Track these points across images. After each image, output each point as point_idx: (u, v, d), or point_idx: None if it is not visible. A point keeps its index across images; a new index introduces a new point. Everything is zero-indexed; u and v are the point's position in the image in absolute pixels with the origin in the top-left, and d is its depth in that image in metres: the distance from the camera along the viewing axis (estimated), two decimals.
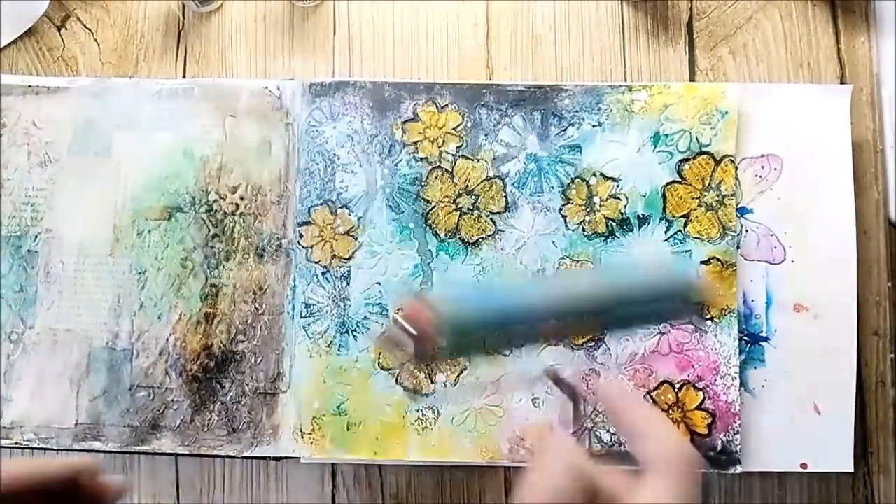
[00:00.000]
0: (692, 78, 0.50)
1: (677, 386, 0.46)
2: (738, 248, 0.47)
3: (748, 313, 0.47)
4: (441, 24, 0.51)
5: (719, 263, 0.47)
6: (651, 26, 0.51)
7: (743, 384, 0.46)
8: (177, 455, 0.49)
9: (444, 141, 0.49)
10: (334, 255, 0.48)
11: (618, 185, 0.48)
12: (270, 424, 0.47)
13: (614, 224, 0.48)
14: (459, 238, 0.48)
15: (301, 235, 0.49)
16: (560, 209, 0.48)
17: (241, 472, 0.49)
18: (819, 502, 0.48)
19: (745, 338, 0.47)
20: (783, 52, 0.50)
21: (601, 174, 0.48)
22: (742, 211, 0.48)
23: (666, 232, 0.47)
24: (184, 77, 0.51)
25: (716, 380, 0.46)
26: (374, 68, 0.51)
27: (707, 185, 0.47)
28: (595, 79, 0.50)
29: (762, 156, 0.48)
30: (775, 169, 0.48)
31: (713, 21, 0.51)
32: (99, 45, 0.51)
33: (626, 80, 0.50)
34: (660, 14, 0.51)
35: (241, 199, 0.49)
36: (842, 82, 0.50)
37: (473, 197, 0.49)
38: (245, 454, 0.47)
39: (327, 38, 0.51)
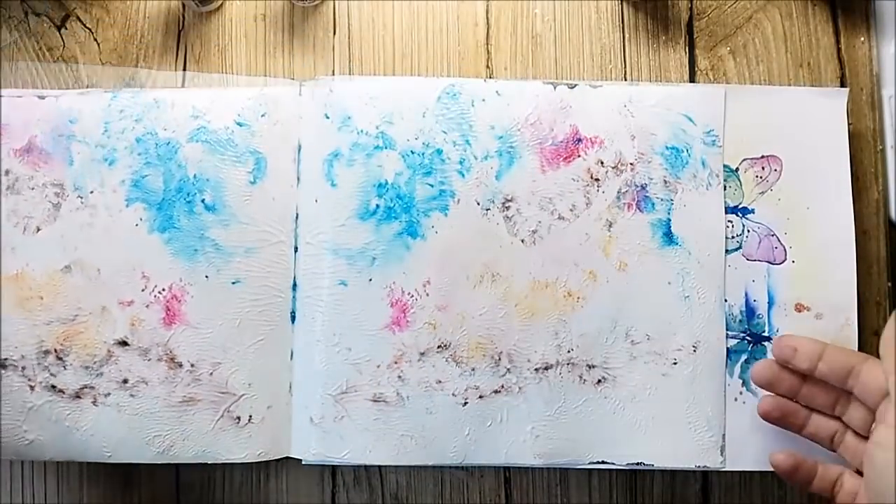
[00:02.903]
0: (692, 78, 0.50)
1: None
2: (739, 248, 0.47)
3: (750, 313, 0.47)
4: (441, 24, 0.51)
5: None
6: (651, 26, 0.51)
7: (745, 384, 0.46)
8: None
9: None
10: None
11: None
12: None
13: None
14: None
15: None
16: None
17: (241, 473, 0.49)
18: (819, 502, 0.48)
19: (748, 338, 0.47)
20: (783, 52, 0.50)
21: None
22: (743, 211, 0.48)
23: None
24: (184, 76, 0.51)
25: None
26: (374, 68, 0.51)
27: None
28: (595, 79, 0.50)
29: (762, 157, 0.48)
30: (775, 170, 0.48)
31: (713, 21, 0.51)
32: (99, 44, 0.51)
33: (626, 80, 0.50)
34: (660, 14, 0.51)
35: None
36: (842, 82, 0.50)
37: None
38: None
39: (327, 38, 0.51)
